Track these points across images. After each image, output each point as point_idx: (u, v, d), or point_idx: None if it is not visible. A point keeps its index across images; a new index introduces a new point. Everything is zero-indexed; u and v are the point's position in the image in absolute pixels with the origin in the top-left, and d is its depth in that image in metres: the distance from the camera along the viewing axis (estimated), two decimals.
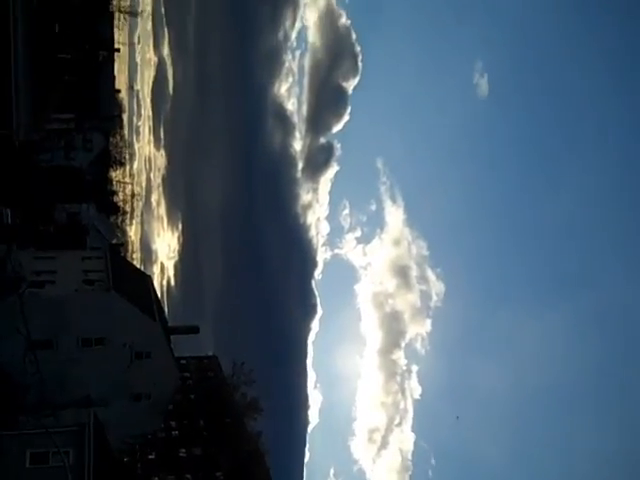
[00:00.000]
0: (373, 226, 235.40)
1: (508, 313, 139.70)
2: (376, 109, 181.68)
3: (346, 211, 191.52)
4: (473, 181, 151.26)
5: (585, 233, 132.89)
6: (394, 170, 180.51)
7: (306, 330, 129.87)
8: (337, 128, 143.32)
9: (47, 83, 42.21)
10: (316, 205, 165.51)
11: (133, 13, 75.32)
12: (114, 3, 68.95)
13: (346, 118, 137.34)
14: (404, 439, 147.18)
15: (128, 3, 70.92)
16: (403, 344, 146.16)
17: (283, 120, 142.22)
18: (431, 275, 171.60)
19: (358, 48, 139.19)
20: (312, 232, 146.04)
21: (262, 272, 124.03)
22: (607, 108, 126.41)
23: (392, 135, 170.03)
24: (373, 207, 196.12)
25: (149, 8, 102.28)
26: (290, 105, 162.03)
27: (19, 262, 37.22)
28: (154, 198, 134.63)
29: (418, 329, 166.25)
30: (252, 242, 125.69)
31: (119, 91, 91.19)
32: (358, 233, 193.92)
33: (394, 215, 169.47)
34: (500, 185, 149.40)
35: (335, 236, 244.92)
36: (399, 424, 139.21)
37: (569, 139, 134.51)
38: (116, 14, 70.09)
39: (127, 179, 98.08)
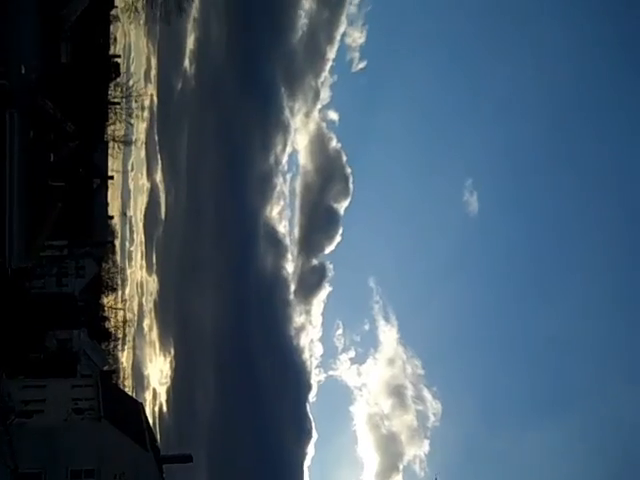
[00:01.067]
0: (367, 346, 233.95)
1: (508, 431, 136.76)
2: (368, 229, 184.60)
3: (339, 331, 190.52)
4: (467, 298, 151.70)
5: (583, 347, 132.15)
6: (387, 289, 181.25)
7: (301, 455, 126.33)
8: (329, 249, 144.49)
9: (41, 211, 42.63)
10: (309, 327, 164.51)
11: (127, 142, 77.10)
12: (109, 133, 70.65)
13: (338, 239, 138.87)
14: None
15: (122, 132, 72.67)
16: (401, 467, 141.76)
17: (275, 243, 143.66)
18: (427, 394, 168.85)
19: (349, 170, 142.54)
20: (306, 354, 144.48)
21: (256, 396, 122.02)
22: (602, 225, 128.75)
23: (384, 254, 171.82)
24: (367, 327, 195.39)
25: (143, 136, 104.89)
26: (282, 228, 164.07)
27: (8, 392, 36.42)
28: (146, 323, 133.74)
29: (416, 451, 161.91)
30: (245, 366, 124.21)
31: (112, 217, 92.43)
32: (352, 353, 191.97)
33: (388, 334, 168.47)
34: (494, 301, 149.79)
35: (329, 357, 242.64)
36: None
37: (561, 253, 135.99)
38: (110, 143, 71.69)
39: (119, 305, 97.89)
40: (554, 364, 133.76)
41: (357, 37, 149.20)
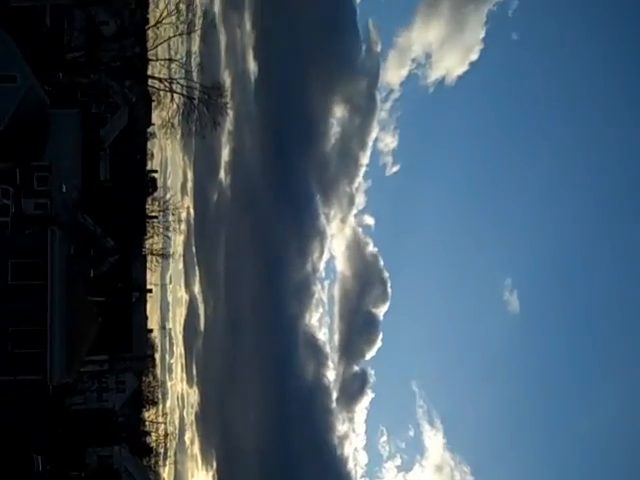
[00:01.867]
0: (413, 452, 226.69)
1: None
2: (408, 333, 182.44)
3: (384, 438, 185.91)
4: (513, 399, 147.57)
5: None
6: (430, 392, 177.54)
7: None
8: (370, 355, 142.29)
9: (81, 327, 42.83)
10: (353, 435, 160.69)
11: (165, 255, 78.10)
12: (147, 246, 71.69)
13: (378, 344, 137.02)
14: None
15: (160, 246, 73.74)
16: None
17: (315, 350, 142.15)
18: None
19: (386, 274, 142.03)
20: (350, 464, 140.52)
21: None
22: None
23: (425, 357, 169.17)
24: (411, 432, 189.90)
25: (180, 249, 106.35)
26: (322, 335, 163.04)
27: None
28: (187, 436, 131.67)
29: None
30: (289, 478, 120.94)
31: (151, 331, 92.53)
32: (398, 461, 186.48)
33: (434, 439, 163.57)
34: (541, 401, 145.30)
35: (374, 466, 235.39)
36: None
37: (604, 350, 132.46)
38: (149, 257, 72.65)
39: (160, 419, 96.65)
40: (611, 465, 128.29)
41: (389, 142, 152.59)
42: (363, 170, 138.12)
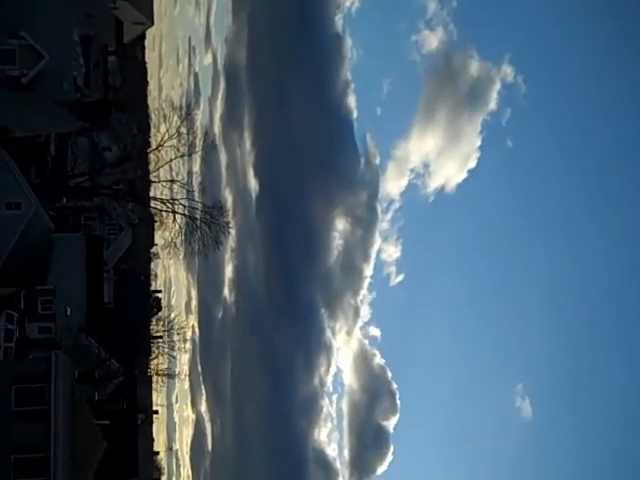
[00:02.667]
0: None
1: None
2: (419, 445, 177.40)
3: None
4: None
5: None
6: None
7: None
8: (381, 469, 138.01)
9: (86, 452, 41.99)
10: None
11: (171, 375, 77.19)
12: (152, 367, 70.97)
13: (390, 458, 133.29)
14: None
15: (166, 366, 72.98)
16: None
17: (325, 467, 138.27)
18: None
19: (395, 385, 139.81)
20: None
21: None
22: None
23: (438, 468, 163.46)
24: None
25: (186, 368, 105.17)
26: (331, 450, 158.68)
27: None
28: None
29: None
30: None
31: (158, 453, 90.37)
32: None
33: None
34: None
35: None
36: None
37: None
38: (154, 377, 71.79)
39: None
40: None
41: (392, 252, 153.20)
42: (367, 282, 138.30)
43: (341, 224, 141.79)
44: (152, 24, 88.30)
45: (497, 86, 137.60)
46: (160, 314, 77.74)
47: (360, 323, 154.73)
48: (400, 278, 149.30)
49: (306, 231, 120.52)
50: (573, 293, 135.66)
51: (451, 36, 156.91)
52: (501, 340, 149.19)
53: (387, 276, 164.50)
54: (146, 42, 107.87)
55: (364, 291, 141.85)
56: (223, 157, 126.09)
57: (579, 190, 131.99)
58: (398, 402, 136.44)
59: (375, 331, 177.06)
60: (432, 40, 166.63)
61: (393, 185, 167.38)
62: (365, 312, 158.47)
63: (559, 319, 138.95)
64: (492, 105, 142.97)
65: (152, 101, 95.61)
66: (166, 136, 56.14)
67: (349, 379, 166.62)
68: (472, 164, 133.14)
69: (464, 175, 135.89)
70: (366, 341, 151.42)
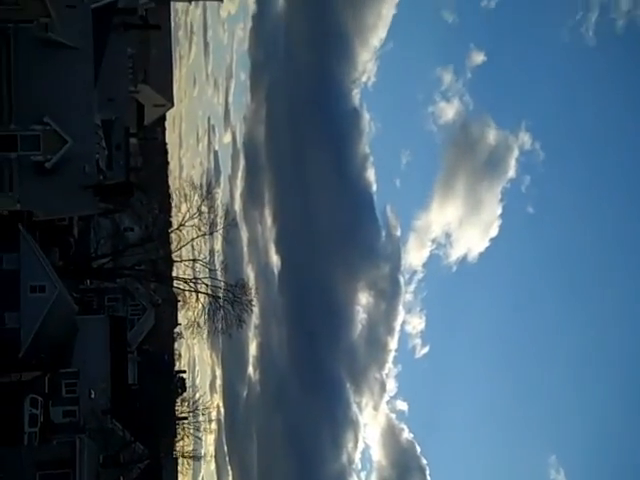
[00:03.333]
0: None
1: None
2: None
3: None
4: None
5: None
6: None
7: None
8: None
9: None
10: None
11: (197, 457, 75.92)
12: (177, 449, 69.89)
13: None
14: None
15: (191, 447, 71.84)
16: None
17: None
18: None
19: (424, 461, 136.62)
20: None
21: None
22: None
23: None
24: None
25: (211, 449, 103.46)
26: None
27: None
28: None
29: None
30: None
31: None
32: None
33: None
34: None
35: None
36: None
37: None
38: (180, 459, 70.60)
39: None
40: None
41: (416, 324, 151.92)
42: (392, 355, 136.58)
43: (364, 298, 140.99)
44: (172, 105, 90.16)
45: (515, 154, 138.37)
46: (185, 394, 76.95)
47: (387, 397, 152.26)
48: (425, 350, 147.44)
49: (329, 306, 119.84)
50: (603, 362, 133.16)
51: (467, 106, 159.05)
52: (531, 410, 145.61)
53: (412, 348, 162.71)
54: (166, 123, 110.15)
55: (389, 365, 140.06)
56: (244, 234, 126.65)
57: (603, 254, 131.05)
58: (428, 478, 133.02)
59: (402, 405, 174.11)
60: (449, 111, 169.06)
61: (415, 256, 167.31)
62: (391, 386, 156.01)
63: (591, 387, 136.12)
64: (511, 173, 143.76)
65: (173, 181, 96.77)
66: (187, 215, 56.53)
67: (377, 455, 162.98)
68: (494, 232, 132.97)
69: (486, 244, 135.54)
70: (393, 415, 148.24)
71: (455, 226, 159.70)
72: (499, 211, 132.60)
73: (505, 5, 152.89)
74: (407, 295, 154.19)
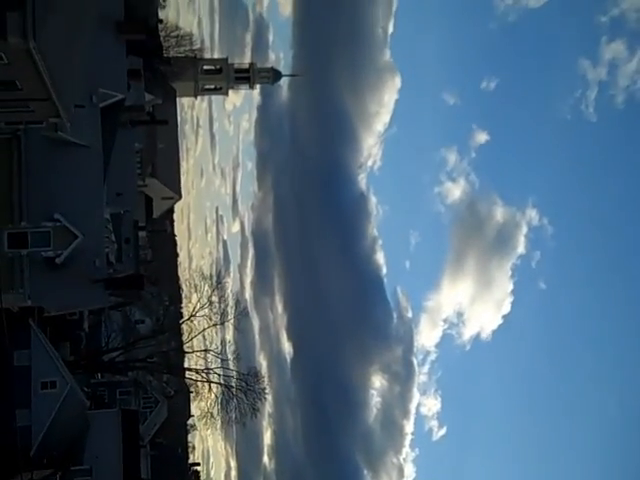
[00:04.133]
0: None
1: None
2: None
3: None
4: None
5: None
6: None
7: None
8: None
9: None
10: None
11: None
12: None
13: None
14: None
15: None
16: None
17: None
18: None
19: None
20: None
21: None
22: None
23: None
24: None
25: None
26: None
27: None
28: None
29: None
30: None
31: None
32: None
33: None
34: None
35: None
36: None
37: None
38: None
39: None
40: None
41: (432, 405, 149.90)
42: (409, 438, 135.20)
43: (378, 381, 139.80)
44: (180, 198, 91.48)
45: (524, 230, 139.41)
46: None
47: None
48: (442, 432, 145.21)
49: (343, 391, 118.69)
50: (622, 437, 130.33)
51: (473, 185, 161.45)
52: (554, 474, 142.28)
53: (429, 431, 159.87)
54: (175, 215, 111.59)
55: (406, 449, 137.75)
56: (256, 322, 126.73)
57: (618, 327, 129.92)
58: None
59: None
60: (455, 190, 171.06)
61: (428, 337, 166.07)
62: (409, 470, 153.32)
63: (611, 462, 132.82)
64: (520, 249, 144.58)
65: (183, 272, 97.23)
66: (198, 306, 56.76)
67: None
68: (506, 309, 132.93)
69: (499, 321, 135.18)
70: None
71: (467, 305, 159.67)
72: (510, 287, 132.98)
73: (504, 86, 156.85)
74: (421, 376, 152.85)
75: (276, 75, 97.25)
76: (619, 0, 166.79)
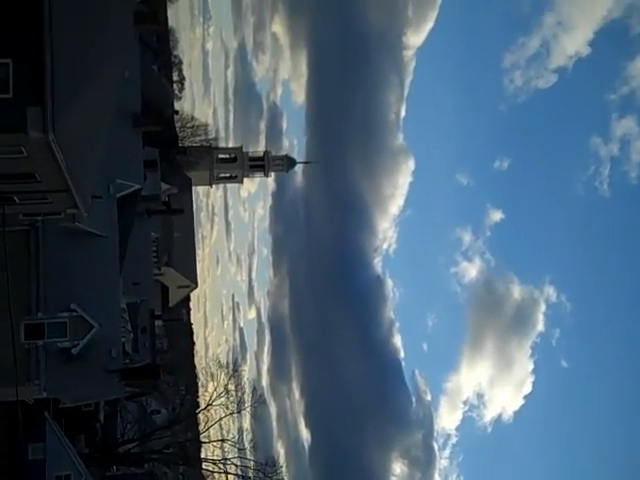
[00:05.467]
0: None
1: None
2: None
3: None
4: None
5: None
6: None
7: None
8: None
9: None
10: None
11: None
12: None
13: None
14: None
15: None
16: None
17: None
18: None
19: None
20: None
21: None
22: None
23: None
24: None
25: None
26: None
27: None
28: None
29: None
30: None
31: None
32: None
33: None
34: None
35: None
36: None
37: None
38: None
39: None
40: None
41: None
42: None
43: (398, 467, 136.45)
44: (196, 286, 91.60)
45: (542, 307, 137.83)
46: None
47: None
48: None
49: (363, 478, 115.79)
50: None
51: (489, 264, 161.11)
52: None
53: None
54: (191, 303, 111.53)
55: None
56: (273, 409, 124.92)
57: None
58: None
59: None
60: (471, 270, 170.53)
61: (448, 420, 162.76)
62: None
63: None
64: (539, 327, 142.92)
65: (199, 361, 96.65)
66: (214, 395, 56.17)
67: None
68: (527, 389, 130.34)
69: (520, 401, 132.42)
70: None
71: (487, 386, 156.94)
72: (531, 367, 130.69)
73: (517, 165, 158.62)
74: (442, 461, 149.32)
75: (290, 162, 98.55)
76: (629, 79, 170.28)
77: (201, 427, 59.34)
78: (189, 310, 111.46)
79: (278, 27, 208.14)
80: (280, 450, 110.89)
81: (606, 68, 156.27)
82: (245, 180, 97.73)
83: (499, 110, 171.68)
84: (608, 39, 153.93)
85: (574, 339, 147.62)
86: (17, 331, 33.00)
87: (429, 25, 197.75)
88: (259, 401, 60.44)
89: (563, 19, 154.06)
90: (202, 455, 60.98)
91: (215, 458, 58.27)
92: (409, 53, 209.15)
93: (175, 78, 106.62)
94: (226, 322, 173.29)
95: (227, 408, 56.75)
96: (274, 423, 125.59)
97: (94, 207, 32.80)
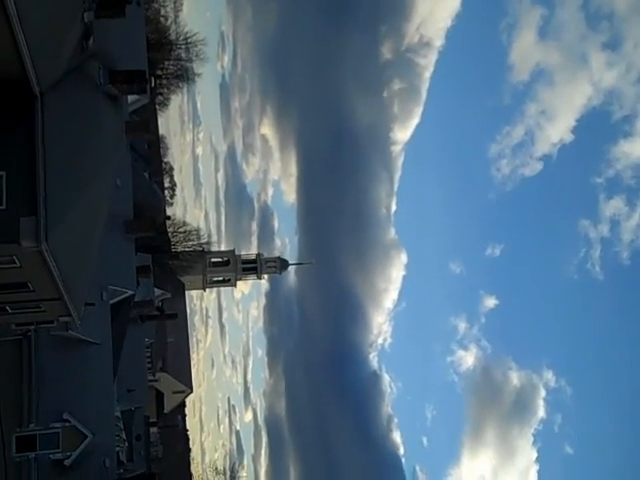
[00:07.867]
0: None
1: None
2: None
3: None
4: None
5: None
6: None
7: None
8: None
9: None
10: None
11: None
12: None
13: None
14: None
15: None
16: None
17: None
18: None
19: None
20: None
21: None
22: None
23: None
24: None
25: None
26: None
27: None
28: None
29: None
30: None
31: None
32: None
33: None
34: None
35: None
36: None
37: None
38: None
39: None
40: None
41: None
42: None
43: None
44: (191, 391, 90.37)
45: (542, 393, 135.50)
46: None
47: None
48: None
49: None
50: None
51: (485, 351, 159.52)
52: None
53: None
54: (186, 409, 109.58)
55: None
56: None
57: None
58: None
59: None
60: (468, 358, 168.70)
61: None
62: None
63: None
64: (541, 413, 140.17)
65: (195, 468, 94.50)
66: None
67: None
68: (532, 479, 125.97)
69: None
70: None
71: (490, 477, 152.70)
72: (534, 455, 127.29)
73: (509, 251, 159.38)
74: None
75: (283, 264, 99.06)
76: (613, 161, 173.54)
77: None
78: (184, 415, 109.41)
79: (267, 129, 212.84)
80: None
81: (590, 153, 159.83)
82: (238, 282, 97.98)
83: (488, 198, 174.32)
84: (590, 125, 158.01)
85: (577, 424, 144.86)
86: (8, 444, 32.36)
87: (415, 120, 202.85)
88: None
89: (545, 108, 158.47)
90: None
91: None
92: (397, 148, 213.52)
93: (166, 184, 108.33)
94: (222, 426, 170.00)
95: None
96: None
97: (87, 314, 32.73)
